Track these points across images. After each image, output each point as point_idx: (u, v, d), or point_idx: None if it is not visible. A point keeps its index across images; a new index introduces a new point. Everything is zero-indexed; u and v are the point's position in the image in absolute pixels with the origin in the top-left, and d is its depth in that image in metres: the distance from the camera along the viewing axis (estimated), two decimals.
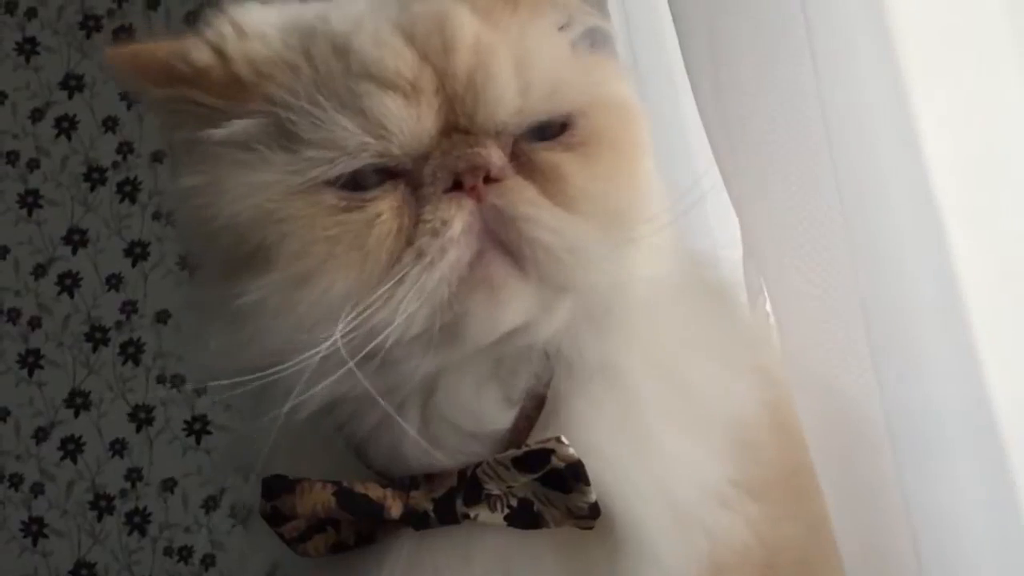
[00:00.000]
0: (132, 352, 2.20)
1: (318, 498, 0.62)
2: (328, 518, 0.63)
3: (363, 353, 0.56)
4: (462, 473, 0.62)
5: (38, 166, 2.24)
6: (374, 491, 0.62)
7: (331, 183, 0.58)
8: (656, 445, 0.62)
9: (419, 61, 0.58)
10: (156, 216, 2.22)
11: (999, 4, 0.60)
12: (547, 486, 0.61)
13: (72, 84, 2.26)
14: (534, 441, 0.61)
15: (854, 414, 0.67)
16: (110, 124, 2.24)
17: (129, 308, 2.21)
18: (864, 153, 0.62)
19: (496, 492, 0.61)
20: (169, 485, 2.16)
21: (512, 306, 0.57)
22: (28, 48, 2.27)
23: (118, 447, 2.17)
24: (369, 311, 0.55)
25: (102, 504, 2.16)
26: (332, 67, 0.59)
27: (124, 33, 2.23)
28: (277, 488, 0.63)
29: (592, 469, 0.60)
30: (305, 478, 0.63)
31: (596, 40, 0.69)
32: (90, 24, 2.26)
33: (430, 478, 0.62)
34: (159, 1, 2.25)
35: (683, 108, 0.91)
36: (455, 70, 0.58)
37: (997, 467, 0.59)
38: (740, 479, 0.63)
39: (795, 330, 0.71)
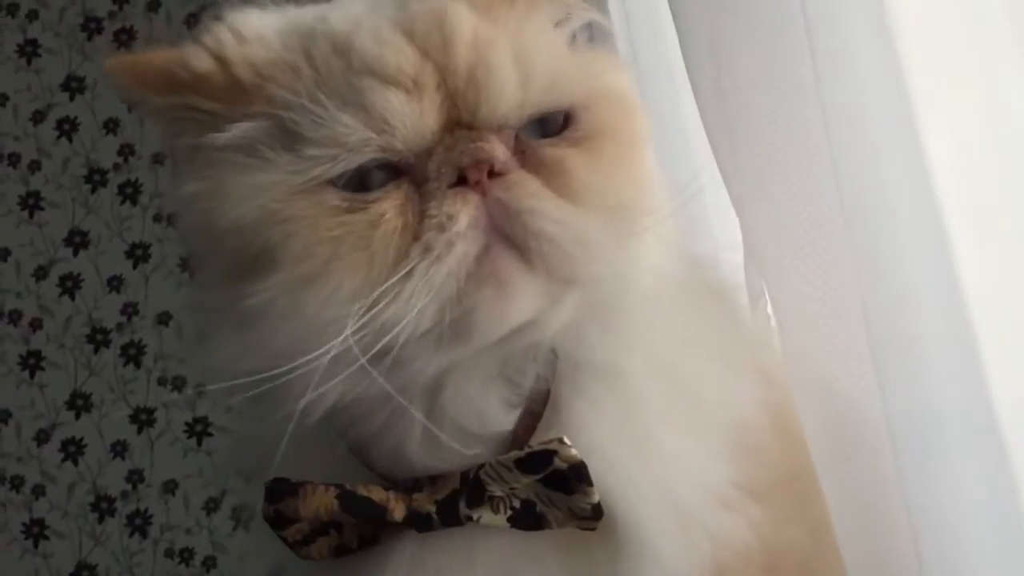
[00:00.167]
0: (133, 354, 2.20)
1: (321, 501, 0.62)
2: (331, 521, 0.63)
3: (374, 351, 0.56)
4: (465, 475, 0.62)
5: (39, 168, 2.24)
6: (377, 494, 0.62)
7: (334, 183, 0.58)
8: (658, 446, 0.62)
9: (420, 57, 0.58)
10: (157, 218, 2.22)
11: (999, 4, 0.60)
12: (550, 487, 0.61)
13: (73, 86, 2.26)
14: (536, 442, 0.61)
15: (855, 416, 0.67)
16: (111, 126, 2.24)
17: (130, 310, 2.21)
18: (864, 154, 0.62)
19: (499, 494, 0.61)
20: (170, 487, 2.16)
21: (520, 300, 0.57)
22: (29, 50, 2.27)
23: (119, 449, 2.17)
24: (378, 307, 0.55)
25: (103, 506, 2.16)
26: (333, 66, 0.59)
27: (125, 35, 2.24)
28: (280, 491, 0.63)
29: (594, 470, 0.60)
30: (308, 481, 0.63)
31: (594, 36, 0.69)
32: (91, 26, 2.26)
33: (433, 480, 0.62)
34: (160, 3, 2.25)
35: (683, 107, 0.91)
36: (456, 66, 0.58)
37: (998, 469, 0.59)
38: (742, 481, 0.63)
39: (796, 332, 0.71)
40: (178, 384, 2.18)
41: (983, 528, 0.59)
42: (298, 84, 0.59)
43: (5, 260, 2.23)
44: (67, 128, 2.25)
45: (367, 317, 0.55)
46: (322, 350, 0.55)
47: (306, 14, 0.64)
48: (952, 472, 0.60)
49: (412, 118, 0.58)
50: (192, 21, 2.21)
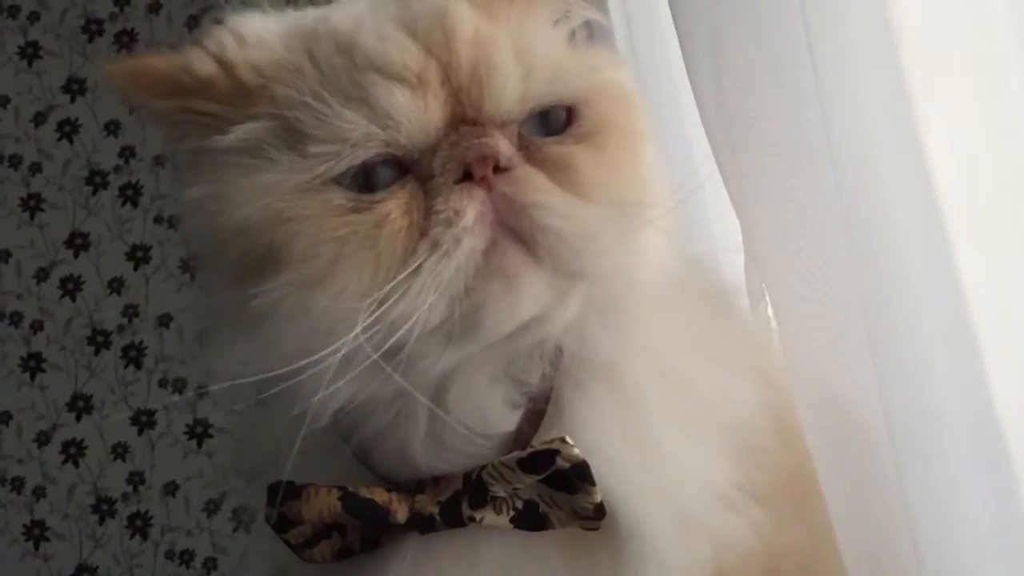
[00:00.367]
0: (134, 356, 2.20)
1: (324, 503, 0.62)
2: (334, 523, 0.63)
3: (386, 347, 0.56)
4: (467, 476, 0.62)
5: (40, 170, 2.25)
6: (380, 495, 0.62)
7: (340, 182, 0.58)
8: (660, 447, 0.62)
9: (423, 54, 0.59)
10: (158, 220, 2.22)
11: (1000, 3, 0.59)
12: (552, 487, 0.61)
13: (74, 88, 2.26)
14: (539, 442, 0.61)
15: (855, 417, 0.67)
16: (112, 128, 2.24)
17: (131, 312, 2.21)
18: (864, 155, 0.62)
19: (502, 494, 0.61)
20: (171, 489, 2.16)
21: (528, 294, 0.57)
22: (30, 52, 2.27)
23: (120, 451, 2.17)
24: (388, 304, 0.55)
25: (104, 508, 2.16)
26: (336, 64, 0.59)
27: (126, 37, 2.24)
28: (283, 494, 0.63)
29: (596, 470, 0.60)
30: (311, 483, 0.63)
31: (593, 34, 0.69)
32: (92, 28, 2.26)
33: (436, 481, 0.63)
34: (161, 5, 2.26)
35: (683, 107, 0.91)
36: (458, 62, 0.59)
37: (998, 470, 0.59)
38: (743, 482, 0.63)
39: (796, 333, 0.71)
40: (179, 386, 2.18)
41: (983, 530, 0.59)
42: (301, 83, 0.59)
43: (6, 262, 2.23)
44: (68, 130, 2.25)
45: (377, 314, 0.55)
46: (333, 347, 0.55)
47: (307, 16, 0.64)
48: (951, 474, 0.60)
49: (416, 113, 0.58)
50: (193, 23, 2.22)
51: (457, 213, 0.56)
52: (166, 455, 2.17)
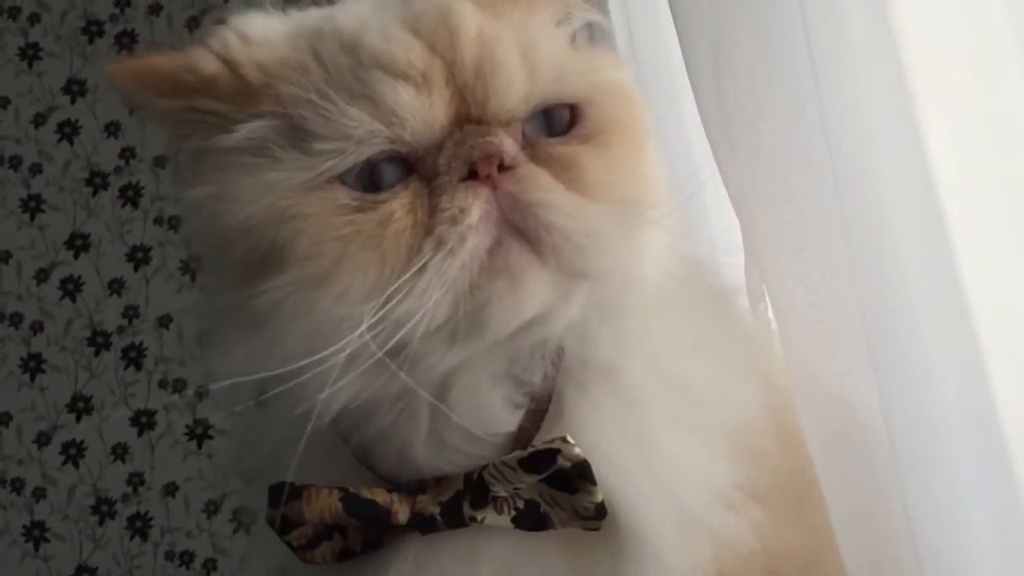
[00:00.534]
0: (134, 357, 2.20)
1: (325, 504, 0.62)
2: (335, 524, 0.63)
3: (390, 345, 0.56)
4: (468, 476, 0.62)
5: (40, 171, 2.24)
6: (381, 496, 0.62)
7: (344, 180, 0.58)
8: (660, 447, 0.62)
9: (428, 53, 0.59)
10: (158, 221, 2.22)
11: (1000, 4, 0.59)
12: (553, 487, 0.61)
13: (75, 89, 2.26)
14: (540, 442, 0.61)
15: (855, 420, 0.67)
16: (112, 129, 2.24)
17: (131, 313, 2.21)
18: (864, 157, 0.62)
19: (503, 494, 0.62)
20: (171, 489, 2.16)
21: (532, 293, 0.57)
22: (31, 53, 2.27)
23: (120, 452, 2.17)
24: (392, 303, 0.55)
25: (104, 509, 2.16)
26: (341, 63, 0.59)
27: (126, 38, 2.24)
28: (284, 495, 0.63)
29: (597, 470, 0.60)
30: (312, 484, 0.63)
31: (594, 36, 0.69)
32: (92, 29, 2.26)
33: (437, 482, 0.63)
34: (161, 6, 2.26)
35: (683, 108, 0.91)
36: (463, 61, 0.59)
37: (999, 474, 0.59)
38: (744, 483, 0.63)
39: (796, 336, 0.71)
40: (179, 387, 2.18)
41: (983, 533, 0.59)
42: (306, 82, 0.59)
43: (6, 263, 2.23)
44: (68, 131, 2.25)
45: (382, 312, 0.55)
46: (338, 346, 0.55)
47: (311, 16, 0.65)
48: (951, 477, 0.60)
49: (421, 111, 0.58)
50: (193, 24, 2.22)
51: (462, 211, 0.57)
52: (166, 456, 2.17)
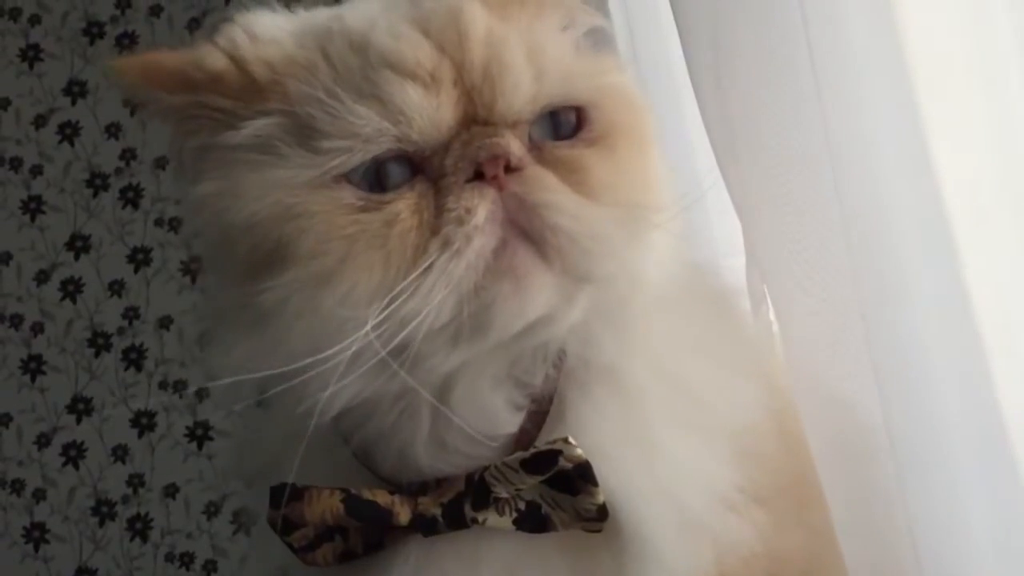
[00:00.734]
0: (134, 358, 2.20)
1: (326, 505, 0.62)
2: (336, 526, 0.63)
3: (394, 344, 0.56)
4: (470, 477, 0.62)
5: (41, 172, 2.24)
6: (382, 497, 0.62)
7: (350, 179, 0.58)
8: (662, 449, 0.62)
9: (437, 53, 0.59)
10: (158, 222, 2.22)
11: (1003, 3, 0.59)
12: (555, 488, 0.61)
13: (75, 90, 2.26)
14: (542, 443, 0.61)
15: (857, 422, 0.67)
16: (113, 130, 2.24)
17: (131, 314, 2.21)
18: (865, 158, 0.62)
19: (504, 496, 0.61)
20: (171, 491, 2.16)
21: (536, 295, 0.57)
22: (31, 55, 2.27)
23: (120, 453, 2.17)
24: (397, 303, 0.55)
25: (104, 510, 2.16)
26: (350, 62, 0.59)
27: (127, 40, 2.24)
28: (285, 496, 0.63)
29: (598, 472, 0.60)
30: (313, 485, 0.63)
31: (598, 41, 0.69)
32: (93, 31, 2.26)
33: (438, 483, 0.63)
34: (162, 8, 2.26)
35: (685, 109, 0.91)
36: (471, 62, 0.59)
37: (1001, 478, 0.59)
38: (746, 486, 0.63)
39: (797, 337, 0.71)
40: (179, 388, 2.18)
41: (983, 536, 0.59)
42: (314, 80, 0.59)
43: (7, 264, 2.23)
44: (69, 132, 2.25)
45: (387, 312, 0.55)
46: (343, 344, 0.55)
47: (319, 15, 0.65)
48: (952, 479, 0.60)
49: (429, 111, 0.58)
50: (194, 26, 2.22)
51: (469, 211, 0.57)
52: (166, 457, 2.17)
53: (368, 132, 0.57)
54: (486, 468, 0.61)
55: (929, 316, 0.60)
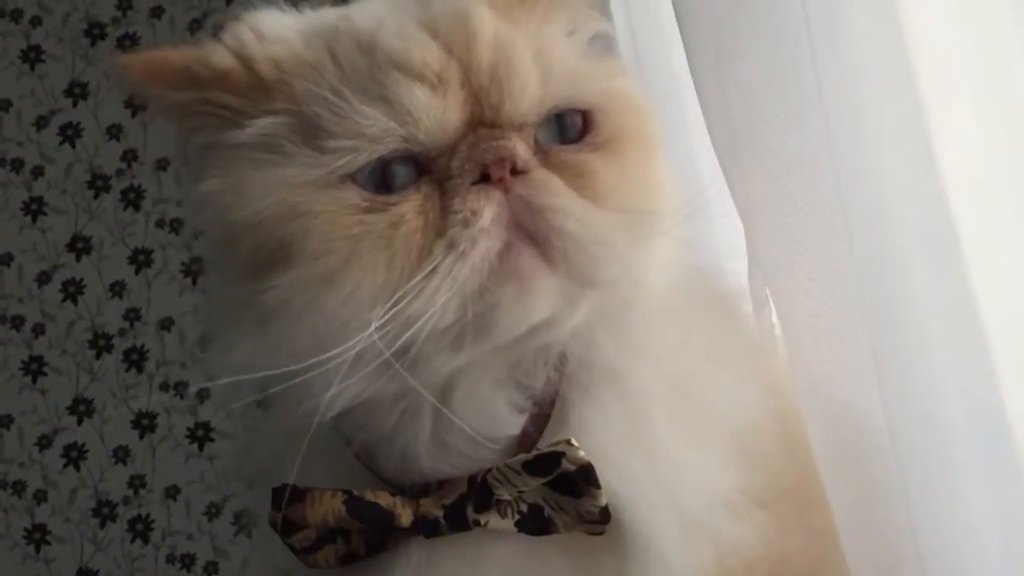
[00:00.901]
0: (135, 359, 2.20)
1: (328, 506, 0.62)
2: (338, 527, 0.63)
3: (397, 345, 0.56)
4: (472, 479, 0.62)
5: (42, 173, 2.25)
6: (384, 499, 0.62)
7: (356, 179, 0.58)
8: (664, 451, 0.62)
9: (444, 54, 0.59)
10: (160, 224, 2.22)
11: (1006, 3, 0.59)
12: (557, 491, 0.61)
13: (76, 92, 2.26)
14: (544, 445, 0.61)
15: (859, 425, 0.67)
16: (114, 132, 2.24)
17: (132, 315, 2.21)
18: (868, 161, 0.61)
19: (506, 498, 0.61)
20: (172, 492, 2.16)
21: (540, 298, 0.57)
22: (33, 56, 2.27)
23: (121, 454, 2.17)
24: (402, 304, 0.55)
25: (105, 511, 2.16)
26: (357, 62, 0.59)
27: (128, 41, 2.24)
28: (287, 497, 0.63)
29: (601, 474, 0.60)
30: (315, 487, 0.63)
31: (601, 45, 0.69)
32: (95, 32, 2.27)
33: (440, 485, 0.62)
34: (163, 9, 2.26)
35: (687, 112, 0.90)
36: (479, 63, 0.59)
37: (1004, 479, 0.59)
38: (748, 488, 0.63)
39: (800, 339, 0.71)
40: (180, 389, 2.18)
41: (986, 537, 0.59)
42: (321, 79, 0.59)
43: (8, 265, 2.23)
44: (70, 134, 2.25)
45: (391, 312, 0.55)
46: (347, 345, 0.55)
47: (327, 15, 0.65)
48: (955, 481, 0.60)
49: (436, 112, 0.58)
50: (195, 27, 2.22)
51: (474, 213, 0.57)
52: (167, 459, 2.17)
53: (374, 132, 0.57)
54: (488, 470, 0.61)
55: (932, 317, 0.60)
